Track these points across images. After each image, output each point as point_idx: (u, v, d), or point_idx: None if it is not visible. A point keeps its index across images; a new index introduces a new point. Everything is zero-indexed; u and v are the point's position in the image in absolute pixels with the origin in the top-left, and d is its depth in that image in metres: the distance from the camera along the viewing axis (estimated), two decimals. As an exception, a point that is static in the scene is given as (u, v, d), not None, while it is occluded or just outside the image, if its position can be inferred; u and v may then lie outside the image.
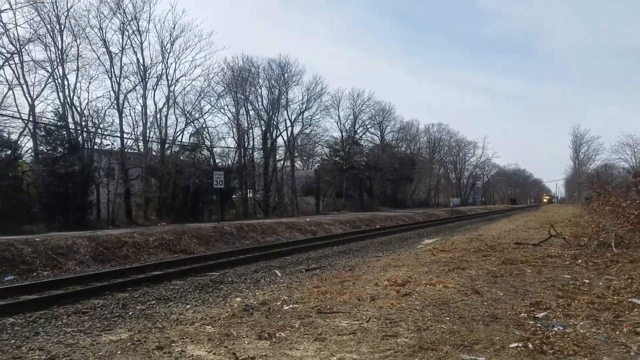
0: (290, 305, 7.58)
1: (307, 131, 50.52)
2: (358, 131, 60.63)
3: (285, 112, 46.51)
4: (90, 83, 29.58)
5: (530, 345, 5.20)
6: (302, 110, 47.68)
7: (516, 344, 5.27)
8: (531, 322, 6.21)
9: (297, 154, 53.13)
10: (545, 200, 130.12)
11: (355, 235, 25.29)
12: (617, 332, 5.71)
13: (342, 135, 58.04)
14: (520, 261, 11.76)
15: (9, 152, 25.91)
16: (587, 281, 9.12)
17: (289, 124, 46.96)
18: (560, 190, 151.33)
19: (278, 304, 7.78)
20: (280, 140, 47.03)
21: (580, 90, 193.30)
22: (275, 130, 45.47)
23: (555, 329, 5.87)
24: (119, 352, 5.59)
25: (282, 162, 48.77)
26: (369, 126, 62.91)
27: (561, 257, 12.57)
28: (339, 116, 56.99)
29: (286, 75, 45.22)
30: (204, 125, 38.06)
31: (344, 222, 32.38)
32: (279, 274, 12.53)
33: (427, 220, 40.62)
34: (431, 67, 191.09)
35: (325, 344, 5.45)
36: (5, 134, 26.04)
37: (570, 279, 9.35)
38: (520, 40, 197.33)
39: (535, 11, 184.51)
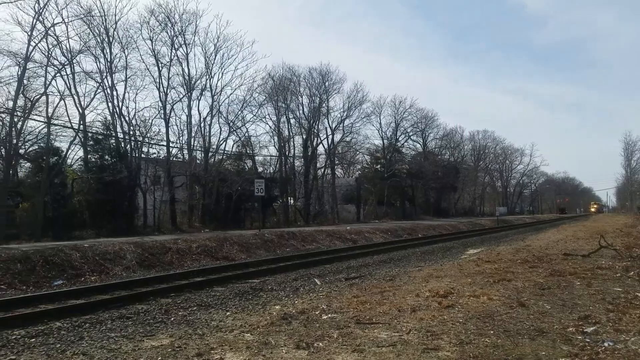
0: (329, 315, 7.52)
1: (348, 139, 50.38)
2: (400, 139, 60.10)
3: (325, 120, 46.70)
4: (137, 94, 30.61)
5: (578, 362, 4.98)
6: (342, 118, 47.68)
7: (564, 360, 5.05)
8: (580, 337, 5.94)
9: (337, 162, 53.11)
10: (592, 210, 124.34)
11: (396, 244, 25.00)
12: (674, 350, 5.39)
13: (383, 142, 57.74)
14: (569, 273, 11.31)
15: (59, 160, 26.98)
16: (640, 295, 8.69)
17: (329, 132, 47.09)
18: (611, 199, 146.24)
19: (317, 313, 7.73)
20: (320, 148, 47.25)
21: (631, 96, 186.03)
22: (315, 138, 45.70)
23: (605, 344, 5.60)
24: (159, 358, 5.68)
25: (322, 170, 48.85)
26: (411, 134, 62.17)
27: (612, 269, 12.04)
28: (380, 123, 56.63)
29: (327, 83, 45.43)
30: (246, 134, 38.66)
31: (385, 231, 32.09)
32: (318, 283, 12.49)
33: (471, 230, 39.80)
34: (477, 74, 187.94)
35: (364, 356, 5.36)
36: (56, 143, 27.21)
37: (621, 292, 8.93)
38: (570, 46, 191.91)
39: (586, 15, 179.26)
